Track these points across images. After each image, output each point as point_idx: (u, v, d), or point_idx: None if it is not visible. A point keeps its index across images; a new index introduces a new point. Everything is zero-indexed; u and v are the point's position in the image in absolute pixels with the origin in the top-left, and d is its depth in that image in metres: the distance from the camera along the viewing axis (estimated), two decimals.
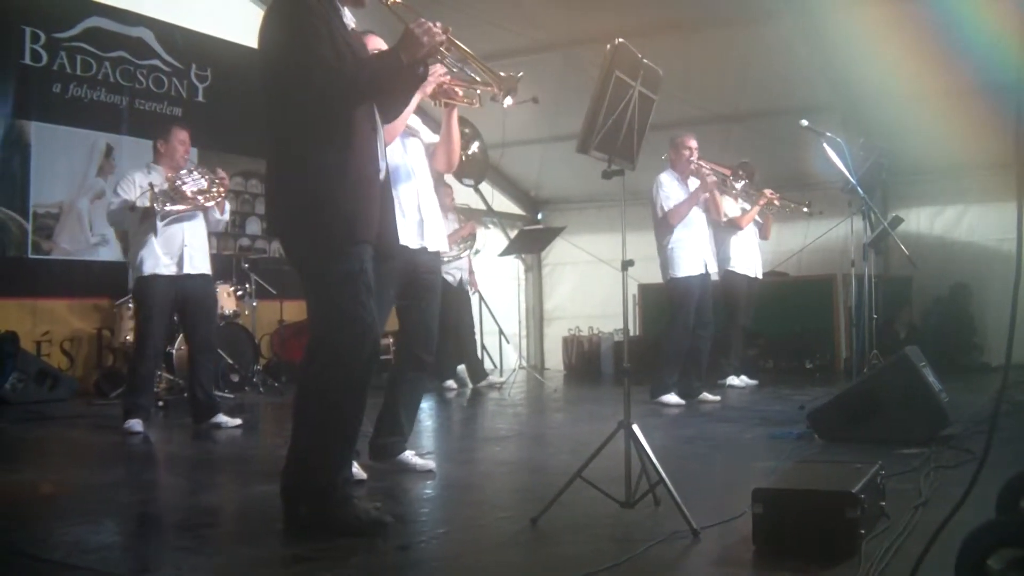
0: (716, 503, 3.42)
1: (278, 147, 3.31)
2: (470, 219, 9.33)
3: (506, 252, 9.78)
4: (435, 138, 4.48)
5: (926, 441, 4.59)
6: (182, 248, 6.10)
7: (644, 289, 10.40)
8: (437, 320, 4.43)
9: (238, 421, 6.21)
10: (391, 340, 8.30)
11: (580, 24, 9.14)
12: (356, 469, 3.83)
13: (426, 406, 7.10)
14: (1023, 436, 4.68)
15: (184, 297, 6.15)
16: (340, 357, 3.16)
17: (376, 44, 3.92)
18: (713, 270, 7.30)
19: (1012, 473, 2.64)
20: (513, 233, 10.55)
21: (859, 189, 6.66)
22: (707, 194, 7.31)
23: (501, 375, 10.04)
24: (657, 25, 8.75)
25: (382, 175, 3.41)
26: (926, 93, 8.88)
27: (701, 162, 7.25)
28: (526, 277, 12.72)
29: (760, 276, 8.61)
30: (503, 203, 12.05)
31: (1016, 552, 2.10)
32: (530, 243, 9.81)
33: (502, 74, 3.70)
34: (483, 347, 9.90)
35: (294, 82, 3.15)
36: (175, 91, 9.47)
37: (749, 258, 8.45)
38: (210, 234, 6.46)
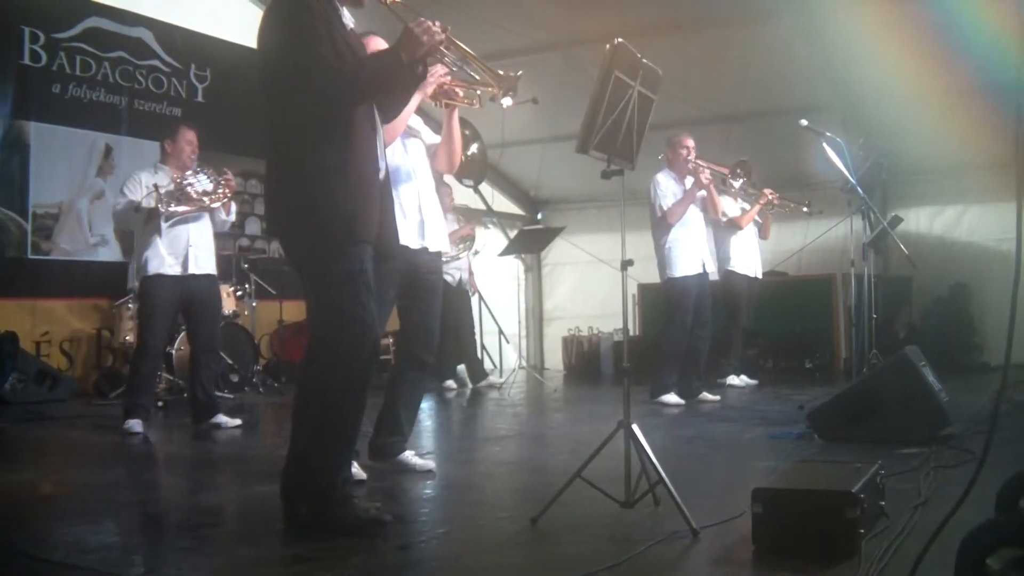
0: (716, 503, 3.42)
1: (277, 147, 3.30)
2: (470, 220, 9.34)
3: (506, 252, 9.78)
4: (436, 139, 4.49)
5: (926, 441, 4.59)
6: (187, 248, 6.09)
7: (644, 289, 10.40)
8: (438, 320, 4.43)
9: (238, 421, 6.21)
10: (391, 340, 8.31)
11: (580, 24, 9.14)
12: (356, 469, 3.83)
13: (426, 406, 7.10)
14: (1023, 436, 4.68)
15: (189, 297, 6.15)
16: (340, 357, 3.16)
17: (377, 45, 3.92)
18: (711, 270, 7.30)
19: (1011, 473, 2.64)
20: (513, 233, 10.55)
21: (859, 189, 6.66)
22: (704, 193, 7.30)
23: (501, 375, 10.04)
24: (657, 25, 8.75)
25: (381, 175, 3.41)
26: (926, 93, 8.88)
27: (699, 161, 7.25)
28: (526, 277, 12.72)
29: (760, 276, 8.61)
30: (503, 203, 12.05)
31: (1015, 552, 2.10)
32: (530, 243, 9.81)
33: (501, 73, 3.70)
34: (483, 347, 9.91)
35: (293, 82, 3.15)
36: (174, 91, 9.47)
37: (749, 258, 8.45)
38: (215, 234, 6.46)
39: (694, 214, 7.23)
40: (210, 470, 4.96)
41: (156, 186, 5.99)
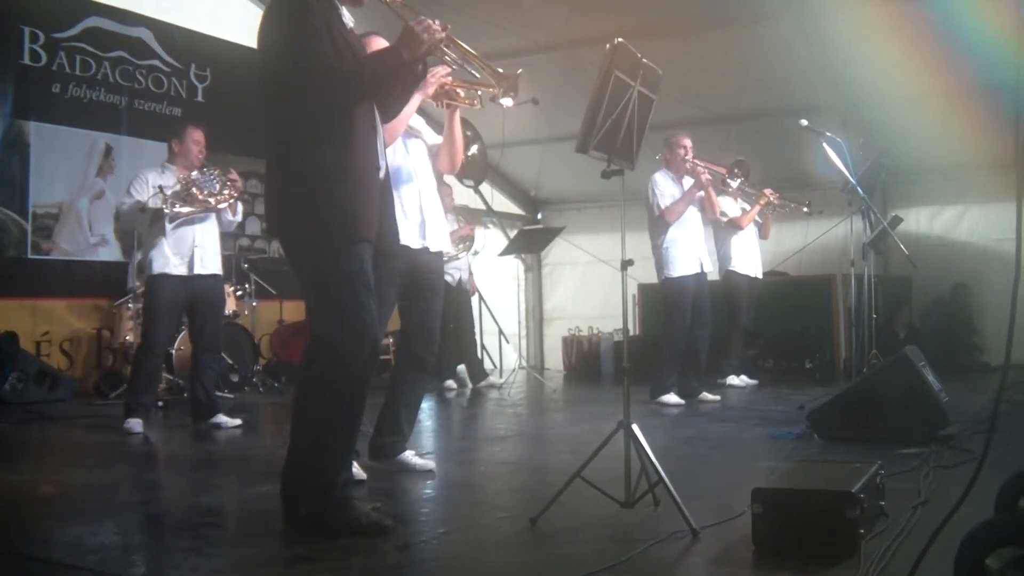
0: (716, 503, 3.41)
1: (277, 147, 3.30)
2: (470, 220, 9.34)
3: (506, 252, 9.77)
4: (438, 139, 4.49)
5: (925, 441, 4.59)
6: (193, 249, 6.09)
7: (644, 289, 10.40)
8: (439, 320, 4.43)
9: (238, 421, 6.20)
10: (391, 341, 8.30)
11: (580, 24, 9.15)
12: (356, 469, 3.83)
13: (426, 406, 7.09)
14: (1022, 436, 4.68)
15: (194, 297, 6.15)
16: (340, 357, 3.16)
17: (379, 45, 3.92)
18: (709, 269, 7.30)
19: (1011, 473, 2.64)
20: (513, 233, 10.55)
21: (859, 189, 6.66)
22: (702, 192, 7.31)
23: (501, 375, 10.03)
24: (657, 25, 8.75)
25: (381, 174, 3.41)
26: (926, 93, 8.88)
27: (696, 161, 7.25)
28: (526, 277, 12.72)
29: (760, 276, 8.61)
30: (503, 203, 12.05)
31: (1015, 551, 2.10)
32: (530, 243, 9.81)
33: (501, 71, 3.71)
34: (483, 347, 9.90)
35: (294, 81, 3.15)
36: (174, 91, 9.47)
37: (750, 258, 8.45)
38: (222, 234, 6.46)
39: (691, 214, 7.23)
40: (210, 470, 4.96)
41: (161, 188, 5.98)
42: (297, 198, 3.20)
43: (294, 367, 8.32)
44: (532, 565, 2.90)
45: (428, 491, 4.03)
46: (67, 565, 2.86)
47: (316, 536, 3.07)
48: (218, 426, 6.12)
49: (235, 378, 8.44)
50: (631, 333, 6.66)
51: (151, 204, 5.98)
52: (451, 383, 9.11)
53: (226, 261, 8.68)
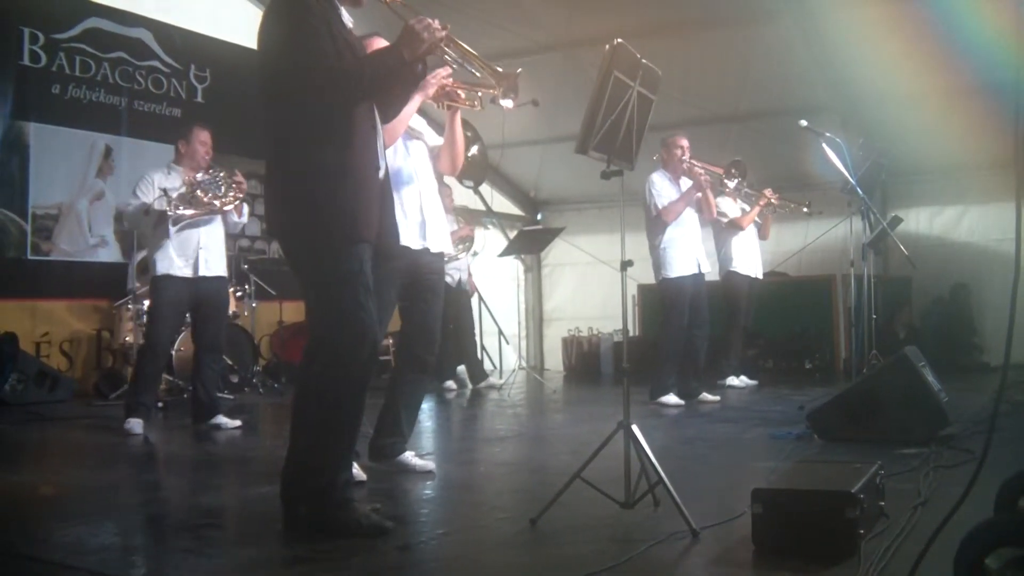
0: (716, 503, 3.42)
1: (277, 147, 3.30)
2: (469, 220, 9.34)
3: (505, 253, 9.77)
4: (439, 141, 4.49)
5: (925, 441, 4.59)
6: (197, 251, 6.08)
7: (643, 289, 10.40)
8: (440, 321, 4.43)
9: (238, 423, 6.20)
10: (391, 342, 8.30)
11: (580, 24, 9.15)
12: (356, 470, 3.82)
13: (426, 407, 7.09)
14: (1022, 436, 4.68)
15: (198, 299, 6.15)
16: (339, 357, 3.16)
17: (380, 46, 3.92)
18: (706, 270, 7.30)
19: (1011, 473, 2.64)
20: (512, 234, 10.55)
21: (858, 189, 6.66)
22: (700, 193, 7.31)
23: (501, 376, 10.03)
24: (657, 25, 8.75)
25: (381, 174, 3.41)
26: (926, 93, 8.88)
27: (693, 161, 7.26)
28: (526, 278, 12.72)
29: (761, 276, 8.61)
30: (502, 204, 12.05)
31: (1014, 551, 2.10)
32: (529, 244, 9.81)
33: (500, 70, 3.71)
34: (483, 348, 9.90)
35: (294, 81, 3.15)
36: (174, 92, 9.47)
37: (751, 258, 8.45)
38: (228, 236, 6.45)
39: (689, 214, 7.23)
40: (210, 471, 4.96)
41: (165, 190, 5.98)
42: (297, 198, 3.20)
43: (294, 368, 8.32)
44: (532, 565, 2.90)
45: (428, 492, 4.03)
46: (67, 566, 2.85)
47: (316, 537, 3.07)
48: (218, 427, 6.12)
49: (235, 379, 8.44)
50: (631, 334, 6.67)
51: (156, 206, 5.97)
52: (451, 384, 9.11)
53: (228, 262, 8.72)
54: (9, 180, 8.19)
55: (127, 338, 8.06)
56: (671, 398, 7.00)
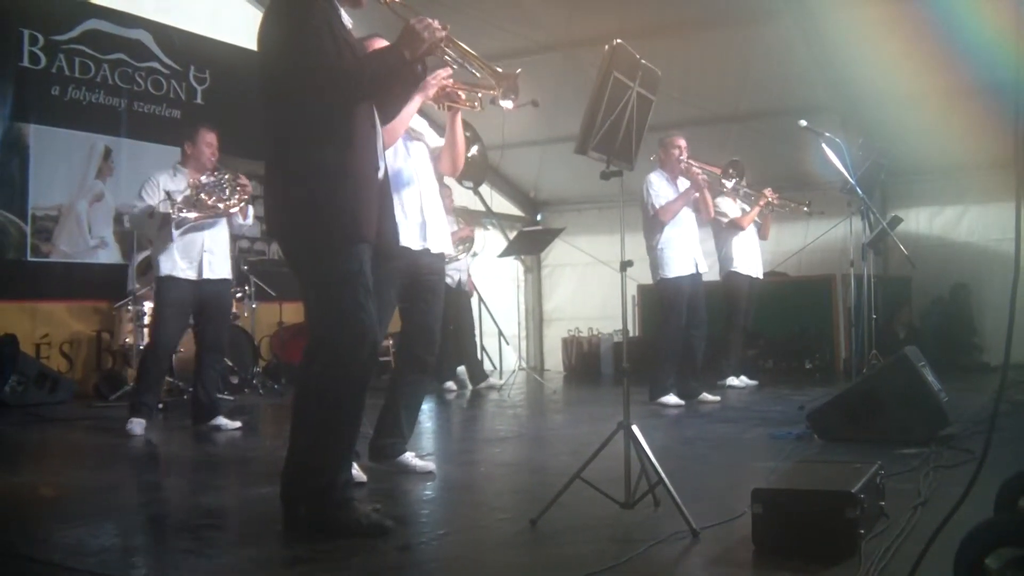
0: (716, 503, 3.41)
1: (277, 147, 3.30)
2: (469, 221, 9.34)
3: (505, 253, 9.78)
4: (440, 142, 4.49)
5: (925, 441, 4.59)
6: (202, 254, 6.08)
7: (643, 290, 10.39)
8: (440, 322, 4.43)
9: (238, 424, 6.20)
10: (391, 342, 8.30)
11: (580, 25, 9.15)
12: (356, 471, 3.82)
13: (426, 407, 7.09)
14: (1022, 436, 4.68)
15: (202, 301, 6.14)
16: (339, 358, 3.17)
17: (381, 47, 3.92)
18: (704, 270, 7.30)
19: (1011, 473, 2.64)
20: (512, 234, 10.55)
21: (858, 189, 6.67)
22: (697, 193, 7.31)
23: (501, 377, 10.03)
24: (657, 26, 8.76)
25: (380, 174, 3.41)
26: (926, 93, 8.89)
27: (690, 161, 7.26)
28: (525, 278, 12.73)
29: (761, 276, 8.61)
30: (502, 204, 12.05)
31: (1014, 551, 2.10)
32: (529, 244, 9.81)
33: (500, 70, 3.71)
34: (483, 349, 9.90)
35: (294, 81, 3.15)
36: (174, 93, 9.47)
37: (751, 258, 8.44)
38: (233, 237, 6.45)
39: (686, 215, 7.24)
40: (210, 472, 4.96)
41: (169, 194, 5.97)
42: (297, 198, 3.20)
43: (294, 368, 8.31)
44: (532, 566, 2.90)
45: (428, 492, 4.03)
46: (67, 567, 2.85)
47: (316, 537, 3.07)
48: (218, 428, 6.12)
49: (235, 380, 8.44)
50: (631, 334, 6.66)
51: (161, 209, 5.97)
52: (451, 384, 9.12)
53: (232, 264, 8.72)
54: (9, 181, 8.18)
55: (127, 339, 8.06)
56: (671, 398, 7.00)
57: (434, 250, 4.35)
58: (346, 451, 3.31)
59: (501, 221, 11.68)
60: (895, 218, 8.25)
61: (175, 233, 5.97)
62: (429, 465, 4.37)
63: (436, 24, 3.25)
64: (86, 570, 2.80)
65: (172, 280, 6.00)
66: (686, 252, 7.15)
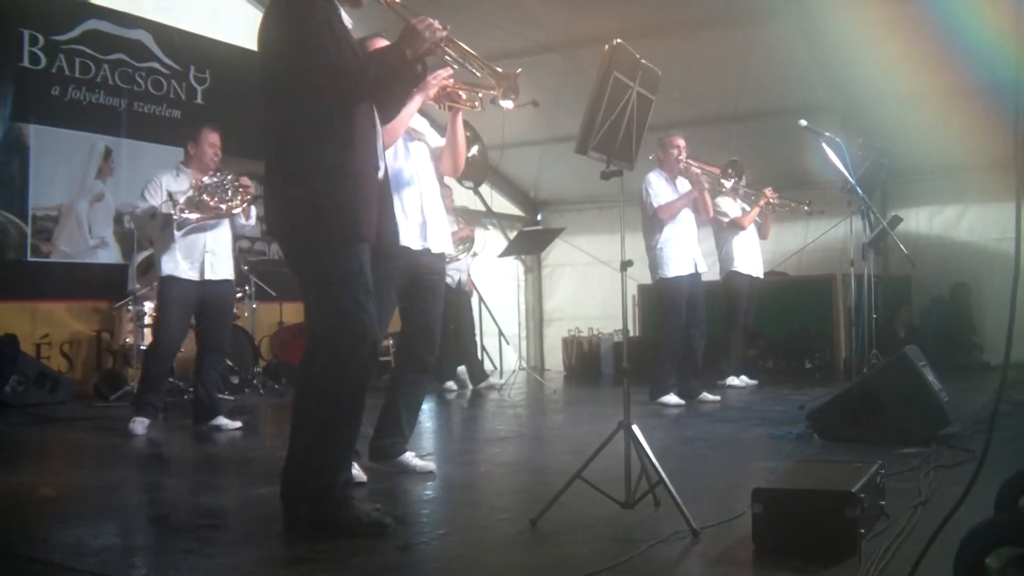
0: (716, 503, 3.41)
1: (277, 147, 3.30)
2: (469, 221, 9.34)
3: (505, 253, 9.78)
4: (441, 142, 4.49)
5: (926, 440, 4.59)
6: (204, 255, 6.08)
7: (643, 290, 10.39)
8: (440, 322, 4.43)
9: (238, 424, 6.20)
10: (391, 342, 8.30)
11: (580, 25, 9.15)
12: (356, 471, 3.83)
13: (426, 407, 7.09)
14: (1022, 435, 4.68)
15: (204, 302, 6.14)
16: (339, 358, 3.16)
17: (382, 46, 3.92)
18: (703, 270, 7.30)
19: (1011, 472, 2.64)
20: (512, 234, 10.56)
21: (858, 189, 6.66)
22: (698, 194, 7.31)
23: (501, 376, 10.03)
24: (657, 26, 8.76)
25: (380, 174, 3.41)
26: (926, 93, 8.89)
27: (689, 161, 7.26)
28: (526, 278, 12.72)
29: (762, 276, 8.61)
30: (502, 204, 12.05)
31: (1014, 550, 2.10)
32: (529, 244, 9.81)
33: (500, 70, 3.71)
34: (483, 348, 9.90)
35: (294, 81, 3.15)
36: (174, 93, 9.47)
37: (752, 258, 8.44)
38: (236, 238, 6.45)
39: (685, 214, 7.24)
40: (210, 472, 4.96)
41: (171, 194, 5.97)
42: (297, 198, 3.20)
43: (294, 368, 8.30)
44: (532, 566, 2.90)
45: (428, 492, 4.03)
46: (67, 567, 2.85)
47: (316, 537, 3.07)
48: (218, 428, 6.12)
49: (235, 380, 8.44)
50: (631, 334, 6.66)
51: (163, 210, 5.97)
52: (451, 384, 9.12)
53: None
54: (9, 182, 8.18)
55: (127, 339, 8.06)
56: (671, 398, 7.00)
57: (434, 250, 4.35)
58: (346, 451, 3.31)
59: (501, 221, 11.68)
60: (895, 218, 8.25)
61: (177, 235, 5.97)
62: (429, 465, 4.37)
63: (437, 24, 3.25)
64: (86, 570, 2.80)
65: (174, 280, 6.00)
66: (685, 252, 7.15)
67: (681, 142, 7.26)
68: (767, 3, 8.67)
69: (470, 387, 9.15)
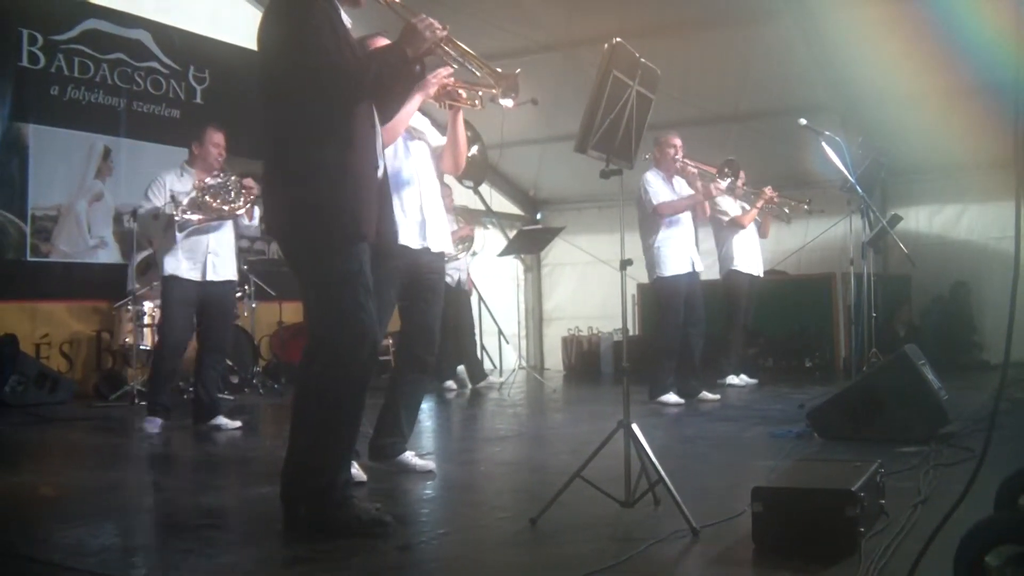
0: (716, 502, 3.41)
1: (277, 147, 3.30)
2: (469, 220, 9.34)
3: (505, 252, 9.77)
4: (442, 141, 4.49)
5: (925, 439, 4.59)
6: (206, 255, 6.09)
7: (643, 289, 10.37)
8: (439, 321, 4.43)
9: (238, 424, 6.20)
10: (391, 341, 8.30)
11: (580, 24, 9.15)
12: (356, 470, 3.83)
13: (426, 407, 7.09)
14: (1022, 434, 4.68)
15: (206, 302, 6.15)
16: (339, 357, 3.17)
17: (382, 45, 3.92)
18: (700, 268, 7.30)
19: (1011, 470, 2.64)
20: (512, 233, 10.56)
21: (858, 188, 6.66)
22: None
23: (501, 376, 10.03)
24: (657, 25, 8.76)
25: (379, 173, 3.41)
26: (925, 93, 8.89)
27: (686, 160, 7.26)
28: (525, 277, 12.72)
29: (761, 274, 8.61)
30: (502, 203, 12.05)
31: (1014, 549, 2.10)
32: (529, 243, 9.81)
33: (499, 71, 3.72)
34: (483, 348, 9.90)
35: (294, 80, 3.15)
36: (173, 93, 9.47)
37: (752, 257, 8.45)
38: (239, 238, 6.46)
39: (683, 213, 7.24)
40: (210, 471, 4.97)
41: (173, 195, 5.97)
42: (296, 198, 3.20)
43: (294, 368, 8.30)
44: (532, 565, 2.90)
45: (428, 492, 4.03)
46: (67, 567, 2.85)
47: (316, 537, 3.07)
48: (218, 428, 6.12)
49: (235, 379, 8.44)
50: (630, 333, 6.67)
51: (166, 210, 5.97)
52: (451, 384, 9.11)
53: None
54: (8, 181, 8.18)
55: (127, 339, 8.05)
56: (671, 397, 7.00)
57: (434, 249, 4.35)
58: (346, 451, 3.31)
59: (501, 220, 11.67)
60: (895, 216, 8.25)
61: (179, 236, 5.97)
62: (429, 464, 4.37)
63: (436, 23, 3.25)
64: (86, 570, 2.80)
65: (176, 280, 6.01)
66: (682, 251, 7.15)
67: (677, 141, 7.26)
68: (767, 3, 8.67)
69: (470, 386, 9.15)
